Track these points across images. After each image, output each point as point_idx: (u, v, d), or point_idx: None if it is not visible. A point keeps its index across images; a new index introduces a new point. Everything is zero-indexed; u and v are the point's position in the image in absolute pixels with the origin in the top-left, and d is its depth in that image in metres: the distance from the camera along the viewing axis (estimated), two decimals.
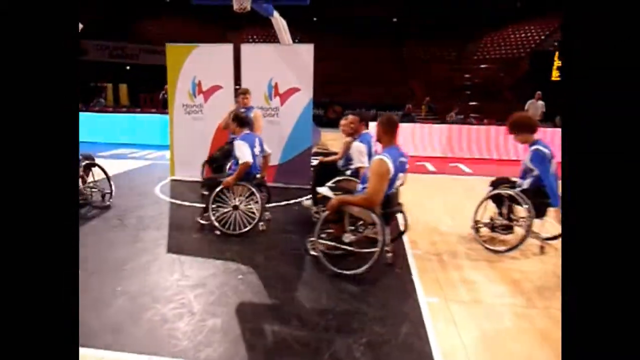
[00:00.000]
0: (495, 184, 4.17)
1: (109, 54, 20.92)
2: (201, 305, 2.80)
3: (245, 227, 4.14)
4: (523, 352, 2.38)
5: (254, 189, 4.14)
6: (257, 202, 4.15)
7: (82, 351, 2.23)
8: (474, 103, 16.55)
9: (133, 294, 2.96)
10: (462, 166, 8.56)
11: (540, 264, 3.60)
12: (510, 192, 3.84)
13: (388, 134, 3.36)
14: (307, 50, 5.83)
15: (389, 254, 3.47)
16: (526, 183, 3.81)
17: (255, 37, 23.43)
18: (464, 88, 18.68)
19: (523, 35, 20.79)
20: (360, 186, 3.57)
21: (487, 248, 3.89)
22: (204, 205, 4.32)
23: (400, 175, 3.43)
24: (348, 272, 3.23)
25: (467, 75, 19.74)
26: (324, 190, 3.67)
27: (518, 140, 3.94)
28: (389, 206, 3.43)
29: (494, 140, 9.59)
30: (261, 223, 4.23)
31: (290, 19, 8.45)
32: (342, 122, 4.61)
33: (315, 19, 24.49)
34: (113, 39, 20.93)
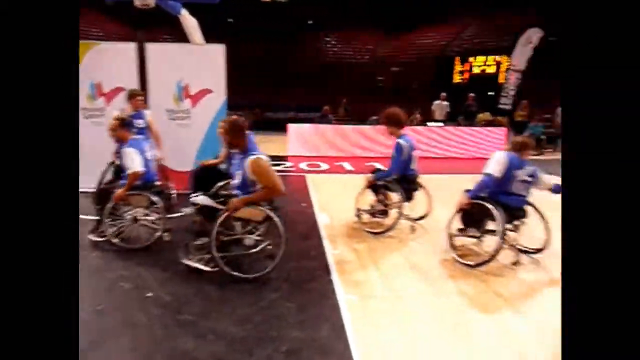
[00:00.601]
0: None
1: None
2: (106, 329, 2.53)
3: (148, 239, 3.85)
4: (439, 344, 2.48)
5: (154, 198, 3.85)
6: (158, 212, 3.88)
7: None
8: (386, 104, 17.35)
9: None
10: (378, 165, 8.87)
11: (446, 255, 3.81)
12: (382, 181, 4.33)
13: (238, 138, 3.35)
14: (218, 51, 5.62)
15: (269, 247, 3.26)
16: (383, 172, 4.35)
17: (169, 36, 22.27)
18: (377, 90, 19.50)
19: (430, 40, 22.29)
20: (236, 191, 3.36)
21: (367, 231, 4.37)
22: (96, 219, 3.94)
23: (238, 172, 3.33)
24: (255, 275, 3.19)
25: (380, 78, 20.64)
26: (200, 200, 3.34)
27: (388, 131, 4.39)
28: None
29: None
30: (166, 233, 3.92)
31: (203, 20, 8.13)
32: (221, 123, 4.24)
33: (230, 20, 23.96)
34: None
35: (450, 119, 12.27)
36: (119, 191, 3.72)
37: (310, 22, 25.09)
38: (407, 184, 4.28)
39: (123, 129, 4.00)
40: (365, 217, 4.58)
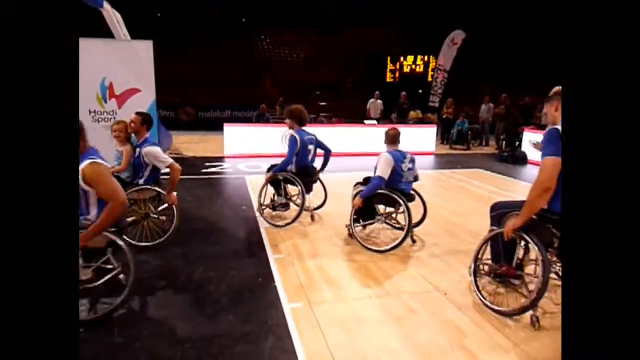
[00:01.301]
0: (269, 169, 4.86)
1: None
2: None
3: None
4: (386, 345, 2.50)
5: None
6: None
7: None
8: (323, 103, 17.51)
9: None
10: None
11: (391, 255, 3.90)
12: (284, 174, 4.56)
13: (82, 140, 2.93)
14: (145, 47, 5.28)
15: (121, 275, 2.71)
16: (293, 167, 4.60)
17: (86, 31, 20.62)
18: (314, 88, 19.61)
19: (361, 39, 22.81)
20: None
21: (270, 223, 4.60)
22: None
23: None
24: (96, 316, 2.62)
25: (314, 75, 20.77)
26: None
27: (288, 125, 4.72)
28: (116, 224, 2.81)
29: (350, 137, 10.25)
30: None
31: (129, 14, 7.58)
32: (116, 126, 4.09)
33: (158, 14, 22.75)
34: None
35: (384, 117, 12.66)
36: None
37: (243, 19, 24.61)
38: (306, 177, 4.60)
39: None
40: (267, 211, 4.79)
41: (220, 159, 9.17)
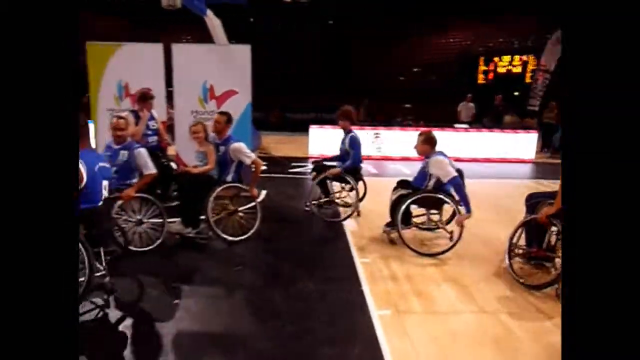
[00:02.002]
0: (315, 169, 5.19)
1: None
2: (132, 335, 2.46)
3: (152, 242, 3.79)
4: None
5: (157, 202, 3.83)
6: (162, 215, 3.84)
7: None
8: (408, 105, 17.10)
9: None
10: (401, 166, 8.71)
11: (483, 265, 3.63)
12: (334, 171, 4.71)
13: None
14: (243, 51, 5.55)
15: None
16: (348, 163, 4.71)
17: (191, 38, 22.49)
18: (397, 90, 19.25)
19: (451, 40, 21.88)
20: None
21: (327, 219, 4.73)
22: None
23: (105, 183, 3.02)
24: None
25: (401, 78, 20.38)
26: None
27: (340, 125, 4.95)
28: (97, 224, 2.92)
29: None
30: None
31: (225, 20, 8.09)
32: (194, 127, 4.29)
33: (252, 19, 24.04)
34: None
35: (477, 120, 11.96)
36: (128, 190, 3.63)
37: (330, 22, 24.99)
38: (357, 174, 4.85)
39: (128, 129, 3.98)
40: (315, 209, 4.90)
41: (305, 159, 9.37)
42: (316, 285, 3.18)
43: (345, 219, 4.81)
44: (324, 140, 9.88)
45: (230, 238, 4.01)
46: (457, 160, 7.26)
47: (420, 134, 4.19)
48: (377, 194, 5.24)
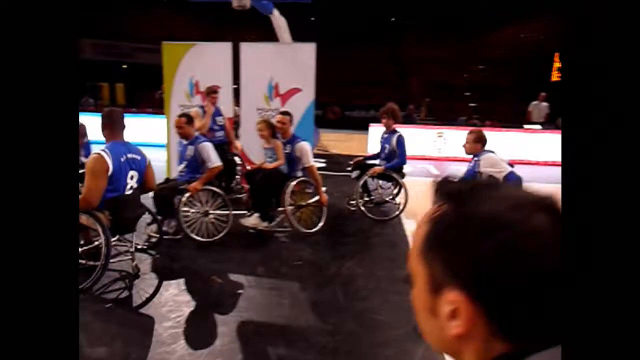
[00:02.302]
0: (358, 167, 5.16)
1: (104, 52, 20.63)
2: (200, 323, 2.60)
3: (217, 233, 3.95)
4: None
5: (223, 194, 4.04)
6: (227, 207, 4.02)
7: None
8: (473, 104, 16.42)
9: (127, 310, 2.74)
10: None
11: None
12: (378, 169, 4.74)
13: (108, 129, 3.12)
14: (308, 50, 5.62)
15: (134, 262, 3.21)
16: (395, 163, 4.76)
17: (253, 36, 23.21)
18: (462, 89, 18.55)
19: (522, 36, 20.67)
20: None
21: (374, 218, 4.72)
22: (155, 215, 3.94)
23: (133, 173, 3.13)
24: None
25: (465, 76, 19.60)
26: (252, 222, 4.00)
27: (384, 124, 4.98)
28: (121, 211, 3.06)
29: (507, 143, 9.42)
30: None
31: (288, 19, 8.24)
32: (260, 125, 4.40)
33: (313, 18, 24.30)
34: (109, 37, 20.64)
35: (551, 120, 11.19)
36: (194, 184, 3.84)
37: (392, 19, 24.60)
38: (399, 172, 4.88)
39: (189, 125, 4.13)
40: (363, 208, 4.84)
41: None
42: (377, 285, 3.16)
43: (392, 218, 4.78)
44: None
45: (305, 230, 4.16)
46: (528, 163, 6.86)
47: (470, 133, 4.03)
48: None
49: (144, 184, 3.31)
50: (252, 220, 4.10)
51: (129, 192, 3.09)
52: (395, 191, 4.99)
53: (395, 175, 4.79)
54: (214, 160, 3.96)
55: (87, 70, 19.32)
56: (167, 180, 4.34)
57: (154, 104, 13.44)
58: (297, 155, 4.27)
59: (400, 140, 4.82)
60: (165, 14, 22.71)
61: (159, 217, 3.90)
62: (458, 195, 0.50)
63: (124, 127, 3.18)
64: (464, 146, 4.04)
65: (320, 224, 4.24)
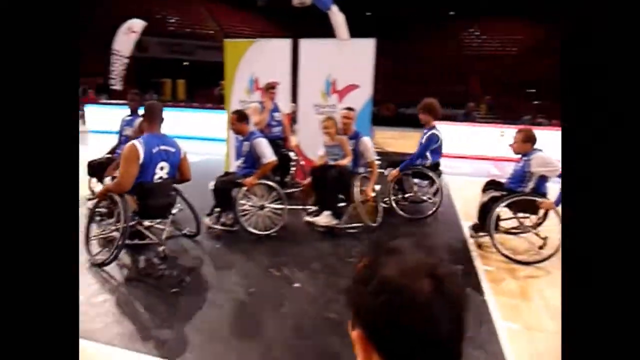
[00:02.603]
0: (392, 164, 5.02)
1: (168, 50, 21.69)
2: (255, 315, 2.66)
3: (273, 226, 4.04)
4: None
5: (278, 188, 4.11)
6: (282, 201, 4.08)
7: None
8: (537, 102, 15.47)
9: (188, 295, 2.87)
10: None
11: None
12: (395, 172, 4.71)
13: (147, 121, 3.41)
14: (367, 45, 5.55)
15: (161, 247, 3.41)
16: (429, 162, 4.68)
17: (309, 32, 23.35)
18: (526, 85, 17.53)
19: None
20: None
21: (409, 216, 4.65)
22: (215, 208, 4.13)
23: (164, 165, 3.31)
24: None
25: (528, 71, 18.50)
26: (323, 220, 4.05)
27: (421, 120, 4.78)
28: (147, 197, 3.27)
29: None
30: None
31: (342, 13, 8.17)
32: (327, 122, 4.36)
33: (368, 13, 24.02)
34: (172, 35, 21.68)
35: None
36: (250, 178, 3.94)
37: (451, 13, 23.72)
38: (438, 171, 4.76)
39: (241, 122, 4.19)
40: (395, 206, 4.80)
41: None
42: None
43: (427, 216, 4.72)
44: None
45: (374, 224, 4.23)
46: None
47: (519, 132, 3.84)
48: None
49: (179, 175, 3.54)
50: (324, 219, 4.11)
51: (156, 181, 3.30)
52: (433, 190, 4.83)
53: (431, 174, 4.64)
54: (269, 155, 4.04)
55: (151, 67, 20.44)
56: (227, 173, 4.48)
57: (213, 100, 13.96)
58: (361, 150, 4.28)
59: (428, 137, 4.64)
60: (227, 12, 23.47)
61: (217, 209, 4.06)
62: (374, 256, 0.62)
63: (162, 120, 3.41)
64: (511, 146, 3.87)
65: (379, 219, 4.29)
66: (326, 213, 4.11)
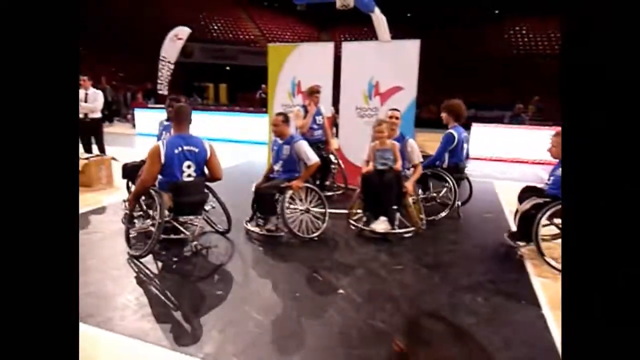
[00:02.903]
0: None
1: (211, 55, 22.36)
2: (299, 320, 2.63)
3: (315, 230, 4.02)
4: None
5: (319, 191, 4.12)
6: (324, 204, 4.09)
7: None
8: None
9: (228, 302, 2.89)
10: None
11: None
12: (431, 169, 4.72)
13: (175, 122, 3.65)
14: (412, 47, 5.43)
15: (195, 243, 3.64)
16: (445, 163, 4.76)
17: (347, 35, 23.36)
18: None
19: None
20: None
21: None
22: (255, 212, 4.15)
23: (190, 163, 3.53)
24: None
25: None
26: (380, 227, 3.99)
27: (443, 119, 4.92)
28: (179, 195, 3.50)
29: None
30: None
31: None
32: (382, 126, 4.20)
33: (409, 14, 23.69)
34: (215, 41, 22.31)
35: None
36: (296, 181, 3.94)
37: (496, 11, 22.95)
38: (456, 173, 4.68)
39: (285, 124, 4.19)
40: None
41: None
42: (485, 298, 2.92)
43: (434, 218, 4.67)
44: (485, 140, 9.17)
45: (423, 228, 4.20)
46: None
47: (556, 134, 3.62)
48: None
49: (210, 174, 3.74)
50: (383, 225, 4.00)
51: (187, 179, 3.53)
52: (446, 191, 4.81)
53: (446, 176, 4.63)
54: (312, 157, 4.04)
55: (195, 72, 21.12)
56: (267, 178, 4.43)
57: (254, 104, 14.21)
58: (408, 152, 4.23)
59: (444, 137, 4.72)
60: (268, 18, 23.87)
61: (259, 215, 4.07)
62: (408, 344, 0.70)
63: (189, 122, 3.64)
64: (549, 150, 3.66)
65: (425, 223, 4.24)
66: (382, 219, 4.01)
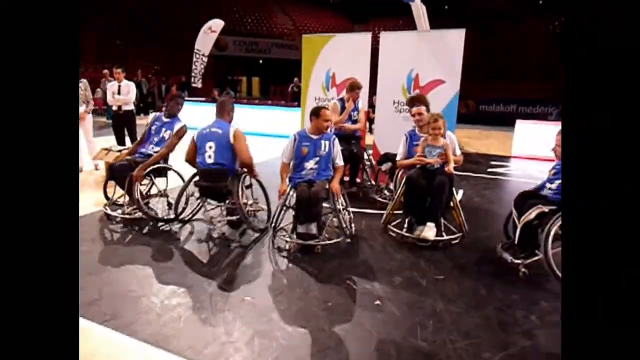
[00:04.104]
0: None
1: (244, 48, 22.40)
2: (332, 333, 2.40)
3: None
4: None
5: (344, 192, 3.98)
6: (347, 206, 3.94)
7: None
8: None
9: (252, 313, 2.69)
10: None
11: None
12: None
13: (216, 112, 3.98)
14: (456, 37, 5.05)
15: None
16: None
17: (382, 28, 22.84)
18: None
19: None
20: None
21: None
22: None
23: (211, 144, 3.74)
24: None
25: None
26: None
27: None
28: (200, 179, 3.83)
29: None
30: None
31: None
32: (439, 122, 3.81)
33: (446, 7, 22.89)
34: (248, 34, 22.33)
35: None
36: (336, 185, 3.66)
37: (540, 2, 21.79)
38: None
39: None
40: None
41: (506, 158, 8.33)
42: (539, 317, 2.60)
43: None
44: (530, 137, 8.61)
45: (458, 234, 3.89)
46: None
47: (559, 134, 3.22)
48: None
49: (238, 159, 3.83)
50: (432, 232, 3.67)
51: (209, 161, 3.73)
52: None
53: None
54: (341, 158, 3.92)
55: (229, 65, 21.23)
56: (308, 182, 3.75)
57: (286, 97, 14.06)
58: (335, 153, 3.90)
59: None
60: (301, 11, 23.68)
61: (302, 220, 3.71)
62: None
63: (225, 112, 3.94)
64: (553, 149, 3.28)
65: (466, 230, 3.91)
66: (430, 225, 3.68)
